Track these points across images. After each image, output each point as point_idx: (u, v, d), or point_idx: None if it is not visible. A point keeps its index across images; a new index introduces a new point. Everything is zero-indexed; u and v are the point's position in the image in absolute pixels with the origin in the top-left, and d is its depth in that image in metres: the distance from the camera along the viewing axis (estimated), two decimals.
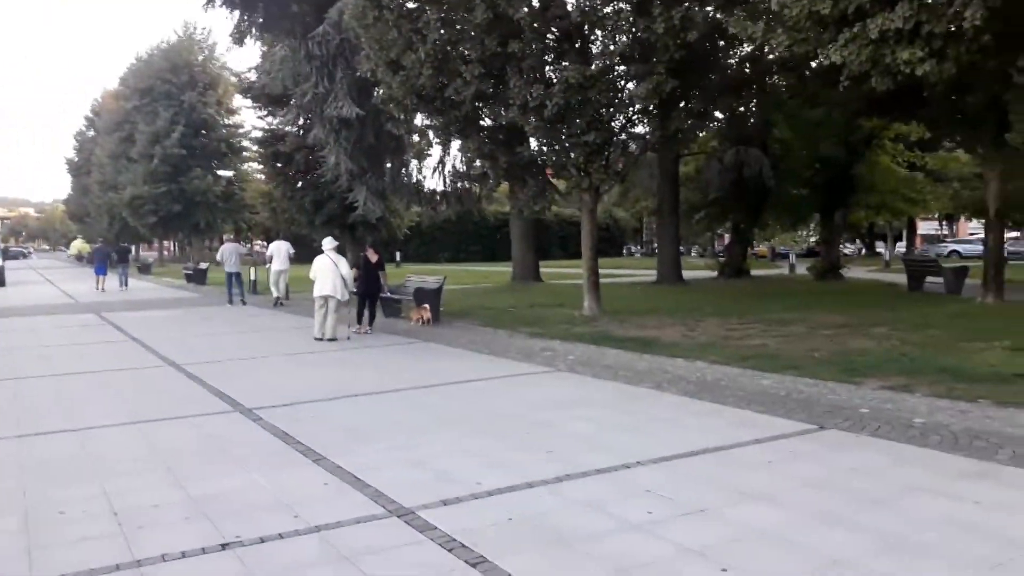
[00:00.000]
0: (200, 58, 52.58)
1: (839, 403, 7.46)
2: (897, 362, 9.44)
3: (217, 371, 10.10)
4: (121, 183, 51.52)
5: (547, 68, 13.78)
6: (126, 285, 29.84)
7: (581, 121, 13.59)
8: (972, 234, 56.71)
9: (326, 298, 13.04)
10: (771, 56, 13.93)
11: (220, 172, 50.08)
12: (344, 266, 13.37)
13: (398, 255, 42.57)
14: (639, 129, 14.60)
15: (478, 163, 15.03)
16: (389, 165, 26.76)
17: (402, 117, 15.62)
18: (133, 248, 63.70)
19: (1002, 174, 14.54)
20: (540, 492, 4.97)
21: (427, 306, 14.83)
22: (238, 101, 52.79)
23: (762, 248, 52.97)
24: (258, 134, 37.19)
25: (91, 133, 69.73)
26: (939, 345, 10.58)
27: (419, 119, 17.79)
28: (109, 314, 18.78)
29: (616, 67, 13.00)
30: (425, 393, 8.51)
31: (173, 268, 44.77)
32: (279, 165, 36.24)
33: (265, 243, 48.48)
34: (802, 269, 33.77)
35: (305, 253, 46.75)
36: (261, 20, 24.25)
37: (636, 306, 17.13)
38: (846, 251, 58.13)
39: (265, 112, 36.39)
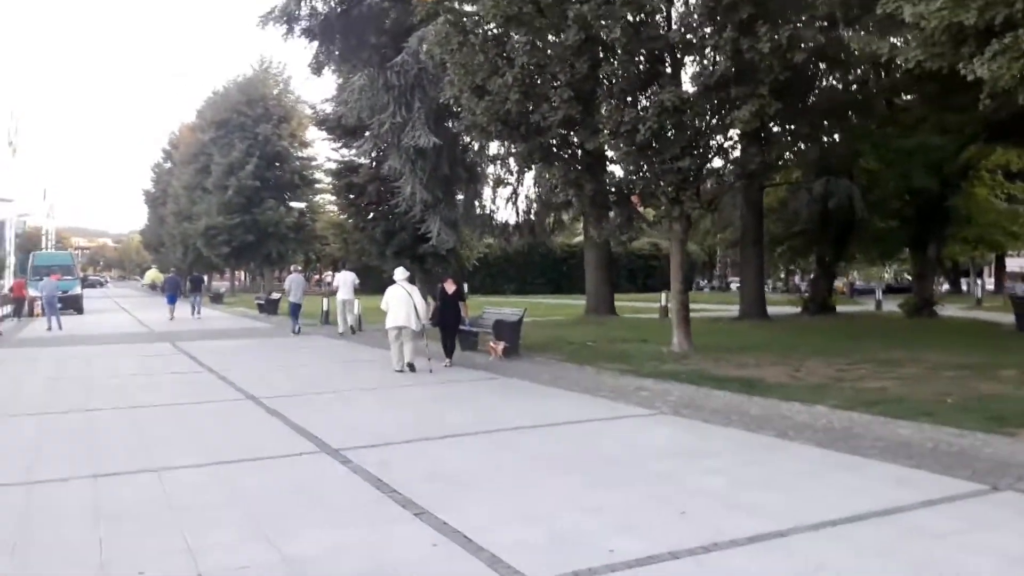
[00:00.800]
0: (275, 91, 53.64)
1: (1002, 458, 6.47)
2: None
3: (298, 406, 9.58)
4: (196, 213, 52.65)
5: (639, 91, 13.11)
6: (199, 313, 30.34)
7: (675, 146, 12.89)
8: None
9: (400, 329, 12.67)
10: (887, 75, 13.04)
11: (292, 204, 50.74)
12: (417, 296, 13.04)
13: (465, 287, 42.28)
14: (735, 155, 13.78)
15: (560, 191, 14.38)
16: (462, 196, 26.44)
17: (483, 144, 15.10)
18: (205, 278, 65.19)
19: None
20: (688, 566, 4.20)
21: (500, 340, 14.20)
22: (312, 134, 53.70)
23: (840, 284, 50.99)
24: (332, 166, 37.57)
25: (168, 165, 71.87)
26: None
27: (496, 147, 17.24)
28: (183, 343, 18.66)
29: (715, 90, 12.25)
30: (521, 435, 7.81)
31: (245, 298, 45.30)
32: (352, 196, 36.42)
33: (332, 273, 48.91)
34: (889, 305, 32.17)
35: (375, 283, 47.09)
36: (338, 51, 24.31)
37: (726, 343, 16.15)
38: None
39: (339, 144, 36.71)
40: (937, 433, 7.44)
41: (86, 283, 62.36)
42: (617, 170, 13.91)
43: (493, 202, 25.90)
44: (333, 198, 40.43)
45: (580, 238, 53.96)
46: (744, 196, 23.02)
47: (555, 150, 14.25)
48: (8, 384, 12.04)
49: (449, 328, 13.64)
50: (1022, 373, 11.19)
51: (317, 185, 53.76)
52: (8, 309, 31.52)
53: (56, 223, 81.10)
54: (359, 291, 22.46)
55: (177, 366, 14.36)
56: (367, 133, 24.42)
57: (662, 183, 13.53)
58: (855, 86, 13.37)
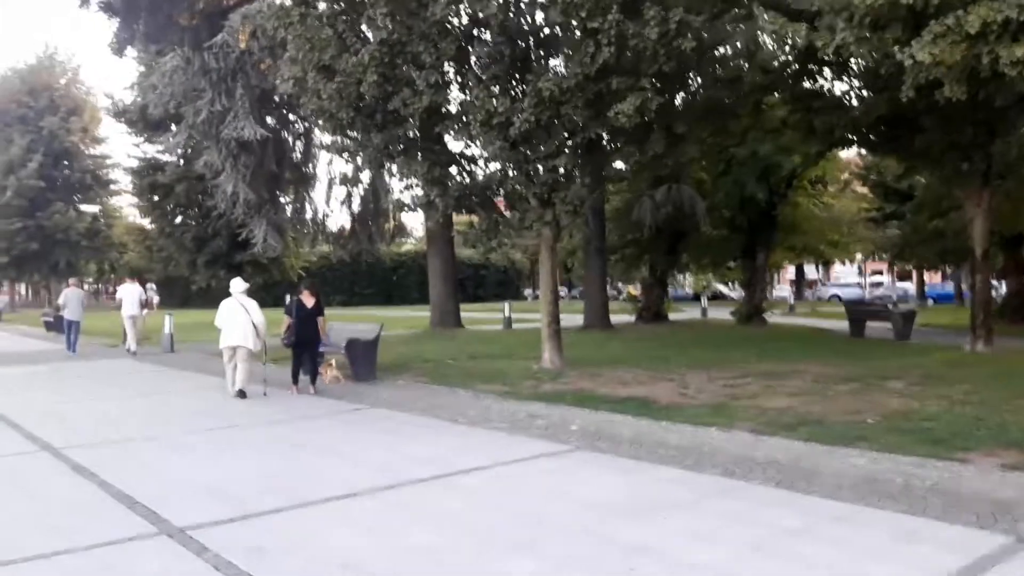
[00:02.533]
0: (63, 81, 47.68)
1: (988, 494, 5.69)
2: (979, 429, 7.86)
3: (116, 459, 7.35)
4: None
5: (512, 79, 11.82)
6: None
7: (551, 142, 11.70)
8: (859, 279, 58.58)
9: (235, 348, 11.20)
10: (763, 73, 12.55)
11: (84, 207, 45.13)
12: (256, 312, 11.32)
13: (288, 298, 39.17)
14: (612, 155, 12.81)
15: (423, 191, 12.75)
16: (291, 197, 24.08)
17: (313, 140, 13.20)
18: None
19: (990, 211, 13.67)
20: None
21: (332, 362, 12.40)
22: (107, 129, 48.33)
23: (631, 289, 51.79)
24: (133, 163, 33.53)
25: None
26: (995, 404, 9.14)
27: (337, 140, 15.29)
28: None
29: (595, 80, 11.15)
30: (427, 491, 6.17)
31: (28, 314, 39.53)
32: (156, 198, 32.72)
33: (155, 286, 43.74)
34: (710, 313, 33.20)
35: (181, 295, 42.72)
36: (144, 30, 21.22)
37: (589, 356, 15.18)
38: (732, 295, 58.87)
39: (142, 138, 32.87)
40: (894, 464, 6.62)
41: None
42: (493, 166, 12.54)
43: (327, 204, 23.64)
44: (134, 200, 36.08)
45: (409, 246, 52.41)
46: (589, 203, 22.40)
47: (418, 143, 12.65)
48: None
49: (306, 348, 11.64)
50: (909, 385, 10.97)
51: (113, 186, 48.31)
52: None
53: None
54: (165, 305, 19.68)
55: None
56: (180, 124, 21.54)
57: (534, 182, 12.32)
58: (730, 83, 12.80)
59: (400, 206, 22.44)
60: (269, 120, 21.72)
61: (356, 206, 24.98)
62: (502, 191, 13.42)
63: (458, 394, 11.09)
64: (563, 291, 56.83)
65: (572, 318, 28.31)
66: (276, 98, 21.30)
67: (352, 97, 11.84)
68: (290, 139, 24.30)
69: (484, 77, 11.52)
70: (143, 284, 44.98)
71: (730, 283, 54.20)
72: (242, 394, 11.10)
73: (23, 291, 59.56)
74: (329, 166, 32.90)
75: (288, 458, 7.48)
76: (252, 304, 11.36)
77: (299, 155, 24.73)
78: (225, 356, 11.34)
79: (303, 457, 7.52)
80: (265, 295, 36.09)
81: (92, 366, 16.64)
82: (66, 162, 46.61)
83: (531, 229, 13.20)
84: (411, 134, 12.47)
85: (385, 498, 5.97)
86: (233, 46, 19.10)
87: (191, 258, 31.01)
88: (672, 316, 30.81)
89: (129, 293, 19.43)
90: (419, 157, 12.57)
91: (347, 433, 8.73)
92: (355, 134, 13.20)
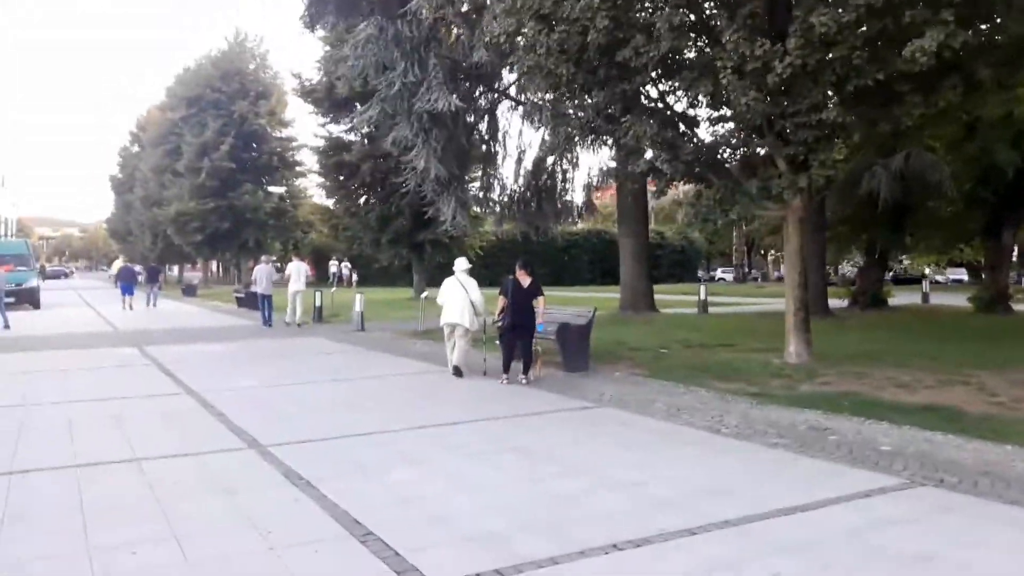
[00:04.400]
0: (252, 66, 49.66)
1: None
2: None
3: (332, 465, 6.21)
4: (166, 199, 48.66)
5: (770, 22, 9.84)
6: (155, 305, 29.68)
7: (816, 92, 9.65)
8: None
9: (453, 326, 11.04)
10: None
11: (271, 188, 46.85)
12: (475, 291, 10.86)
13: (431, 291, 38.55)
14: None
15: (650, 155, 11.05)
16: (479, 173, 23.10)
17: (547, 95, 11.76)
18: (176, 268, 61.04)
19: None
20: None
21: (538, 350, 10.99)
22: (292, 112, 49.95)
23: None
24: (319, 143, 33.91)
25: (136, 149, 67.45)
26: None
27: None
28: (153, 349, 15.13)
29: (880, 15, 8.99)
30: (750, 546, 4.50)
31: (220, 291, 41.48)
32: (341, 178, 32.91)
33: (350, 264, 44.41)
34: (925, 298, 29.37)
35: (364, 274, 43.28)
36: (335, 4, 20.77)
37: (834, 349, 12.90)
38: (939, 278, 52.94)
39: (327, 118, 33.13)
40: None
41: (47, 274, 58.21)
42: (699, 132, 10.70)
43: (516, 180, 22.39)
44: (319, 180, 36.66)
45: (581, 225, 50.91)
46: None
47: (644, 101, 10.96)
48: None
49: (520, 333, 10.38)
50: None
51: (298, 168, 49.92)
52: None
53: (19, 212, 76.32)
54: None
55: (147, 385, 10.84)
56: (369, 100, 20.93)
57: (788, 141, 10.31)
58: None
59: (605, 176, 21.01)
60: (455, 96, 20.72)
61: (540, 181, 23.66)
62: (737, 155, 11.51)
63: (698, 394, 9.35)
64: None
65: (765, 303, 25.79)
66: (463, 71, 20.29)
67: (574, 49, 10.30)
68: (475, 114, 23.32)
69: (737, 17, 9.60)
70: (338, 262, 46.19)
71: (935, 264, 48.75)
72: (457, 371, 10.95)
73: (214, 268, 63.44)
74: (519, 139, 31.66)
75: (528, 474, 6.00)
76: (472, 283, 10.98)
77: (485, 130, 23.67)
78: (445, 332, 11.28)
79: (543, 472, 6.03)
80: (444, 276, 35.82)
81: (284, 344, 16.27)
82: (255, 144, 48.50)
83: (774, 199, 11.18)
84: (641, 89, 10.75)
85: (694, 550, 4.37)
86: (427, 14, 18.14)
87: (375, 237, 30.94)
88: (894, 301, 27.43)
89: (296, 270, 20.56)
90: (645, 117, 10.85)
91: (582, 440, 7.19)
92: (569, 94, 11.65)
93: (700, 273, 60.98)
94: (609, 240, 49.85)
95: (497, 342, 10.97)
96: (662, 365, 11.61)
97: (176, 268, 62.36)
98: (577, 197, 23.26)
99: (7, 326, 20.40)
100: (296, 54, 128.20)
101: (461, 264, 11.27)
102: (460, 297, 10.87)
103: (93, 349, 15.51)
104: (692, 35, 10.13)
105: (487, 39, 12.17)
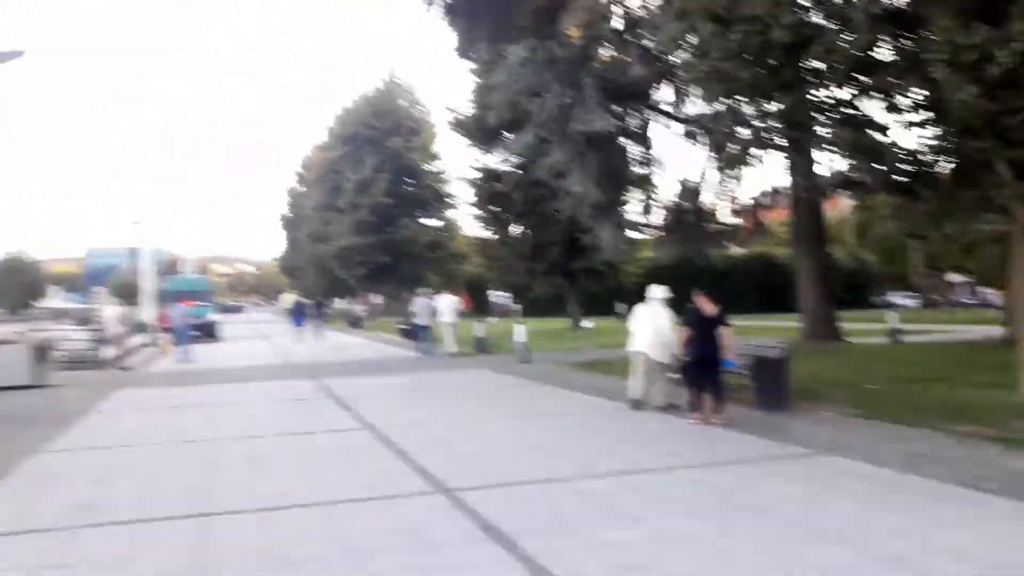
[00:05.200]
0: (403, 103, 51.57)
1: None
2: None
3: (530, 517, 5.68)
4: (330, 235, 50.99)
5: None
6: (322, 337, 31.30)
7: None
8: None
9: (641, 356, 10.46)
10: None
11: (425, 221, 48.17)
12: (663, 319, 10.29)
13: (622, 307, 37.51)
14: None
15: (847, 167, 10.01)
16: (637, 197, 22.42)
17: (722, 103, 10.96)
18: (342, 301, 63.84)
19: None
20: None
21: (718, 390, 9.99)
22: (443, 144, 51.28)
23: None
24: (471, 175, 34.31)
25: (302, 189, 71.42)
26: None
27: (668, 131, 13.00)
28: (329, 381, 15.38)
29: None
30: None
31: (383, 322, 42.73)
32: (494, 208, 33.09)
33: (510, 294, 44.36)
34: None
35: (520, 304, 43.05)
36: (488, 28, 20.86)
37: None
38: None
39: (478, 150, 33.48)
40: None
41: (224, 309, 62.33)
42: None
43: (678, 200, 21.49)
44: (473, 211, 37.14)
45: (739, 249, 48.80)
46: None
47: (835, 105, 9.96)
48: (99, 460, 8.77)
49: (708, 367, 9.56)
50: None
51: (449, 200, 51.06)
52: (140, 340, 29.86)
53: (197, 252, 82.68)
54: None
55: (327, 418, 10.87)
56: (522, 127, 20.81)
57: (1017, 143, 8.98)
58: None
59: (775, 193, 19.78)
60: (618, 108, 20.22)
61: (700, 202, 22.64)
62: (947, 161, 10.22)
63: (930, 439, 8.09)
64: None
65: (960, 331, 23.18)
66: (616, 90, 19.77)
67: (755, 51, 9.49)
68: (629, 134, 22.71)
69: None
70: (499, 292, 46.46)
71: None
72: (637, 404, 10.48)
73: (378, 300, 65.76)
74: (676, 158, 30.74)
75: (772, 541, 5.18)
76: (663, 311, 10.40)
77: (640, 150, 23.00)
78: (632, 362, 10.73)
79: (788, 538, 5.21)
80: (598, 305, 35.19)
81: (452, 376, 16.11)
82: (409, 179, 50.17)
83: (997, 211, 9.80)
84: (829, 92, 9.78)
85: None
86: (579, 34, 17.85)
87: (528, 266, 30.77)
88: None
89: (448, 303, 21.53)
90: (837, 122, 9.84)
91: (815, 496, 6.27)
92: (747, 100, 10.79)
93: (879, 298, 56.14)
94: (772, 264, 47.57)
95: (681, 376, 10.20)
96: (875, 404, 10.33)
97: (342, 301, 65.25)
98: (740, 218, 22.02)
99: (192, 359, 21.60)
100: (447, 89, 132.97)
101: (656, 291, 10.69)
102: (650, 325, 10.39)
103: (271, 382, 16.00)
104: (891, 27, 9.04)
105: (654, 46, 11.48)
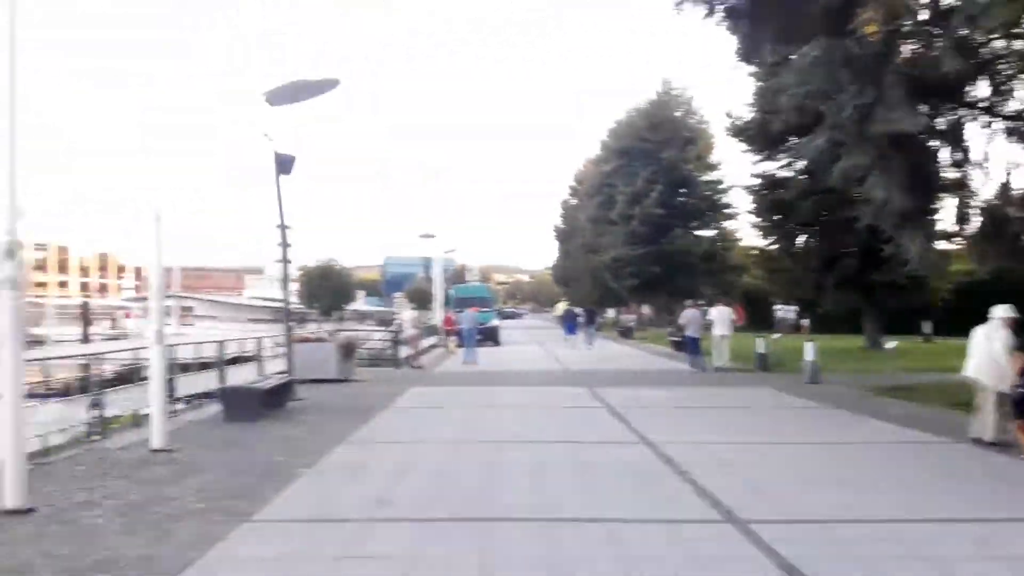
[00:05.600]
0: (678, 113, 50.72)
1: None
2: None
3: (834, 557, 4.97)
4: (602, 246, 51.55)
5: None
6: (591, 344, 31.69)
7: None
8: None
9: (978, 383, 9.30)
10: None
11: (700, 232, 46.96)
12: (997, 341, 8.93)
13: (928, 327, 33.49)
14: None
15: None
16: (951, 202, 19.81)
17: None
18: (612, 311, 64.49)
19: None
20: None
21: None
22: (721, 152, 49.78)
23: None
24: (751, 183, 32.77)
25: (575, 201, 73.16)
26: None
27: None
28: (601, 390, 15.23)
29: None
30: None
31: (653, 333, 42.33)
32: (777, 217, 31.25)
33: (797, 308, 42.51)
34: None
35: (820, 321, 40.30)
36: (775, 29, 19.57)
37: None
38: None
39: (760, 156, 31.89)
40: None
41: (503, 315, 65.63)
42: None
43: (998, 208, 18.65)
44: (752, 221, 35.42)
45: None
46: None
47: None
48: (393, 454, 9.28)
49: None
50: None
51: (726, 210, 49.29)
52: (433, 341, 32.31)
53: (478, 261, 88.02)
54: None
55: (603, 429, 10.67)
56: (820, 125, 19.24)
57: None
58: None
59: None
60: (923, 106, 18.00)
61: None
62: None
63: None
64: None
65: None
66: (922, 87, 17.57)
67: None
68: (938, 134, 20.15)
69: None
70: (784, 307, 44.51)
71: None
72: (995, 445, 8.87)
73: (647, 311, 65.42)
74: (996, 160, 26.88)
75: None
76: (999, 332, 9.03)
77: (951, 151, 20.29)
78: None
79: None
80: (898, 323, 31.57)
81: (729, 394, 15.24)
82: (683, 190, 49.28)
83: None
84: None
85: None
86: (878, 29, 16.07)
87: (817, 279, 28.58)
88: None
89: (720, 315, 20.74)
90: None
91: None
92: None
93: None
94: None
95: (1013, 408, 8.62)
96: None
97: (612, 311, 65.83)
98: None
99: (476, 361, 22.74)
100: (722, 94, 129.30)
101: (997, 311, 9.38)
102: (983, 348, 9.18)
103: (546, 387, 16.26)
104: None
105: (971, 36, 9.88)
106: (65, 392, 13.63)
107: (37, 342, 38.78)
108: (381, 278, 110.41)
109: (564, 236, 76.79)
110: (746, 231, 43.16)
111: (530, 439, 9.79)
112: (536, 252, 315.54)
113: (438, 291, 42.74)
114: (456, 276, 70.81)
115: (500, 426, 10.99)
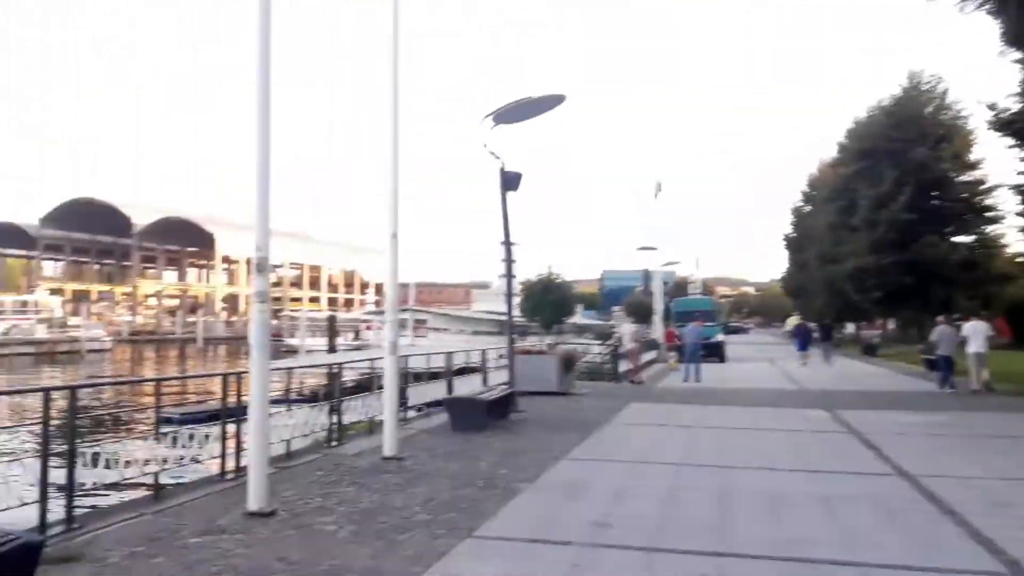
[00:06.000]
0: (929, 109, 45.90)
1: None
2: None
3: None
4: (841, 255, 47.79)
5: None
6: (829, 362, 30.30)
7: None
8: None
9: None
10: None
11: (956, 238, 42.11)
12: None
13: None
14: None
15: None
16: None
17: None
18: (852, 326, 59.93)
19: None
20: None
21: None
22: (982, 150, 44.42)
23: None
24: (1021, 180, 28.80)
25: (807, 208, 68.77)
26: None
27: None
28: (843, 413, 13.86)
29: None
30: None
31: (901, 350, 38.50)
32: None
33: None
34: None
35: None
36: None
37: None
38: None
39: None
40: None
41: (729, 329, 63.08)
42: None
43: None
44: (1019, 224, 31.12)
45: None
46: None
47: None
48: (615, 473, 8.90)
49: None
50: None
51: (988, 214, 43.79)
52: (653, 355, 31.58)
53: (701, 273, 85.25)
54: None
55: (850, 459, 9.51)
56: None
57: None
58: None
59: None
60: None
61: None
62: None
63: None
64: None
65: None
66: None
67: None
68: None
69: None
70: None
71: None
72: None
73: (891, 326, 59.87)
74: None
75: None
76: None
77: None
78: None
79: None
80: None
81: (994, 420, 13.26)
82: (935, 192, 44.51)
83: None
84: None
85: None
86: None
87: None
88: None
89: (974, 330, 18.77)
90: None
91: None
92: None
93: None
94: None
95: None
96: None
97: (852, 326, 60.99)
98: None
99: (699, 378, 21.78)
100: (980, 85, 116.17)
101: None
102: None
103: (780, 408, 15.13)
104: None
105: None
106: (313, 398, 14.64)
107: (291, 351, 43.02)
108: (599, 291, 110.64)
109: (795, 245, 72.37)
110: (1013, 236, 38.21)
111: (764, 465, 8.98)
112: (763, 263, 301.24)
113: (658, 304, 41.83)
114: (677, 289, 69.03)
115: (729, 449, 10.25)
